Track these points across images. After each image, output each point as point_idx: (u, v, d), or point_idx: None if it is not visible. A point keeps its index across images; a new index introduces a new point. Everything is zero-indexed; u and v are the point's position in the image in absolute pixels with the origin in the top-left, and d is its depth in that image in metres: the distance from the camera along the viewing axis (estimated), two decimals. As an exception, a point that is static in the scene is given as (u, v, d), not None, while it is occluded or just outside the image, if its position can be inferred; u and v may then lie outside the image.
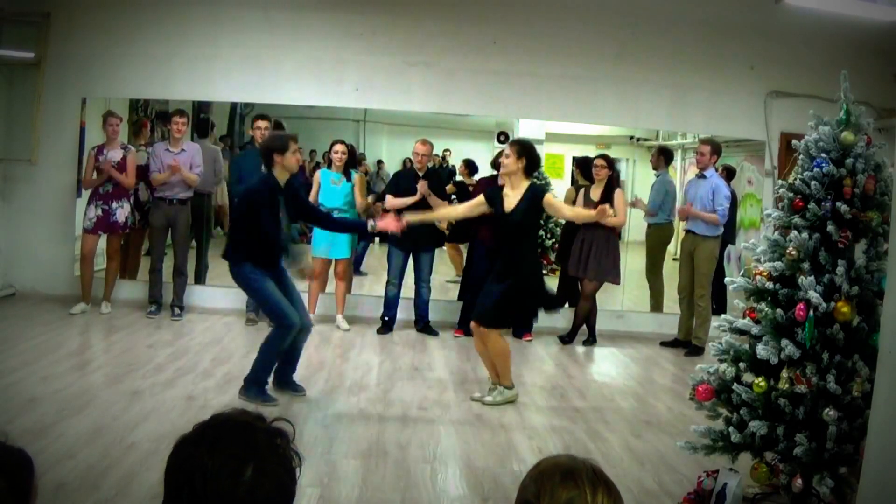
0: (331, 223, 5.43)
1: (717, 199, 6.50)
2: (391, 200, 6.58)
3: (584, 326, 6.91)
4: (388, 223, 4.87)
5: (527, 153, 4.79)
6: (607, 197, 6.59)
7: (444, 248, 7.96)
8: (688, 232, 6.79)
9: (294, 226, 8.33)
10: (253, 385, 4.56)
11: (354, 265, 8.33)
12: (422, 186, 6.53)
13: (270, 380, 4.70)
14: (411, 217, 5.01)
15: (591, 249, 6.61)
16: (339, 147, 6.68)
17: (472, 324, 4.95)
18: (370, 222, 4.98)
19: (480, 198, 5.00)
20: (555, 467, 1.35)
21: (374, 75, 7.23)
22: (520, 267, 4.75)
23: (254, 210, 4.52)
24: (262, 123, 6.71)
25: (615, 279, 6.78)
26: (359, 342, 6.39)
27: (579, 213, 5.50)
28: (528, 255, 4.89)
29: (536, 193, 4.78)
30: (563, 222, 7.21)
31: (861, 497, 2.61)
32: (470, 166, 7.81)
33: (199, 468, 1.19)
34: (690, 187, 6.83)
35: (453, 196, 7.22)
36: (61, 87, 7.10)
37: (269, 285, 4.56)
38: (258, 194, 4.58)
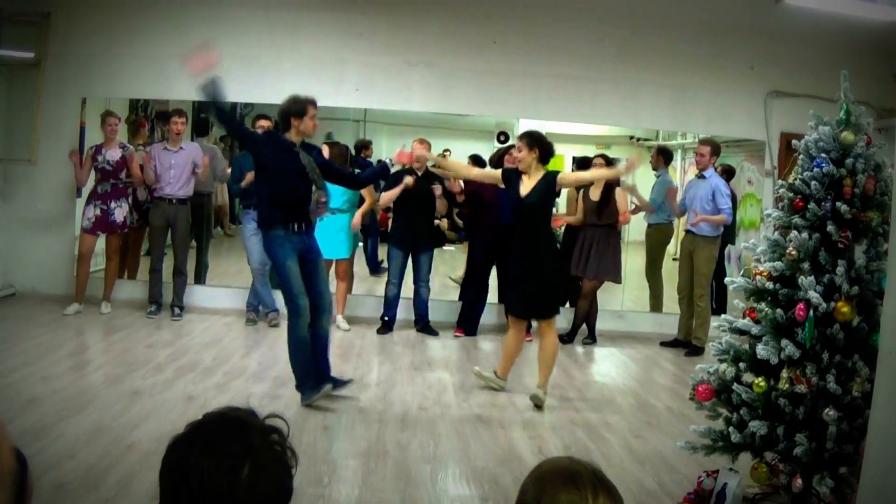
0: (357, 180, 5.47)
1: (720, 199, 6.48)
2: (385, 195, 6.62)
3: (584, 326, 6.91)
4: (401, 156, 5.04)
5: (538, 143, 4.87)
6: (607, 197, 6.59)
7: (444, 248, 7.96)
8: (687, 232, 6.79)
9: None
10: (305, 389, 4.57)
11: (371, 265, 8.34)
12: (437, 189, 6.55)
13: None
14: (428, 155, 5.50)
15: (593, 248, 6.62)
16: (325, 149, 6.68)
17: (537, 323, 5.11)
18: (388, 160, 5.07)
19: (498, 172, 5.21)
20: (555, 470, 1.33)
21: (374, 75, 7.23)
22: (540, 251, 4.87)
23: (265, 159, 4.51)
24: (264, 123, 6.71)
25: (616, 278, 6.78)
26: (359, 342, 6.40)
27: (598, 173, 5.63)
28: (548, 241, 5.04)
29: (549, 176, 4.88)
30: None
31: (861, 497, 2.61)
32: (477, 161, 7.81)
33: (195, 468, 1.17)
34: (690, 188, 6.83)
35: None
36: (61, 87, 7.10)
37: (291, 263, 4.51)
38: (263, 143, 4.58)
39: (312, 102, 4.61)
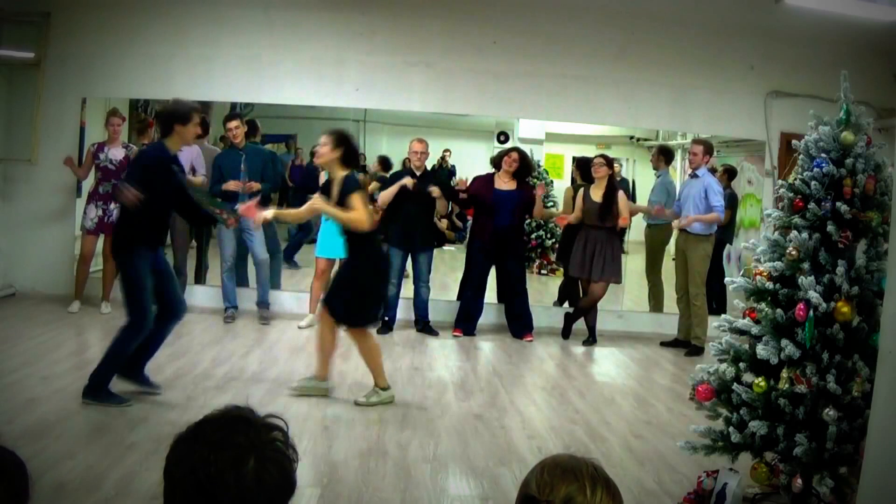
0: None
1: (712, 197, 6.49)
2: (382, 195, 6.61)
3: (585, 327, 6.91)
4: (247, 210, 4.70)
5: (343, 143, 4.60)
6: (609, 199, 6.59)
7: (444, 247, 7.96)
8: (681, 231, 6.78)
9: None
10: (99, 389, 4.27)
11: None
12: (435, 191, 6.56)
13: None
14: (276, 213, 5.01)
15: (595, 250, 6.62)
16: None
17: None
18: (224, 217, 4.77)
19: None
20: (556, 465, 1.39)
21: (374, 75, 7.22)
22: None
23: (147, 180, 4.17)
24: (231, 124, 6.64)
25: (618, 279, 6.79)
26: (359, 342, 6.38)
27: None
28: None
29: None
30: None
31: (861, 497, 2.61)
32: (384, 163, 7.97)
33: (201, 462, 1.19)
34: (684, 188, 6.86)
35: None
36: (61, 87, 7.10)
37: (147, 278, 4.29)
38: (152, 164, 4.30)
39: (197, 109, 4.46)
